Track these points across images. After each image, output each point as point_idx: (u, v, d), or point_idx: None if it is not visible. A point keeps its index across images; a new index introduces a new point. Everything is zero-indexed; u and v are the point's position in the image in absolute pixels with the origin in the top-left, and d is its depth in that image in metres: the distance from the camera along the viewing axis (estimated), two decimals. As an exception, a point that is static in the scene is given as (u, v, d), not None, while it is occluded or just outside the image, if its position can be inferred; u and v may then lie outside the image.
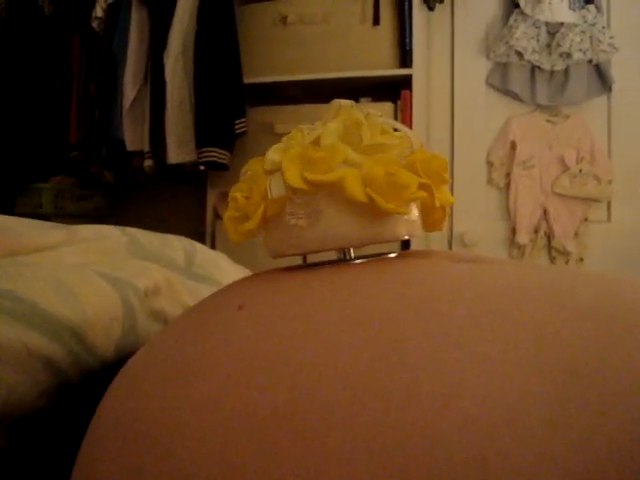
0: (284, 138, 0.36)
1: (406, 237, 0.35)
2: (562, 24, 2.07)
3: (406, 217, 0.35)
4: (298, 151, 0.33)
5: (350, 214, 0.33)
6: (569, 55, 2.08)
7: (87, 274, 0.42)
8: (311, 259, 0.38)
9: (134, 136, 2.09)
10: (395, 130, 0.36)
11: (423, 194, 0.34)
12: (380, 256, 0.36)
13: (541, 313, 0.25)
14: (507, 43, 2.12)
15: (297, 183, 0.32)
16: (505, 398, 0.20)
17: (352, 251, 0.35)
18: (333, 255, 0.36)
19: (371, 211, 0.33)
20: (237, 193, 0.35)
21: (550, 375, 0.21)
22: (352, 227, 0.34)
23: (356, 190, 0.32)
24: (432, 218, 0.38)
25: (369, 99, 1.99)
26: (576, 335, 0.23)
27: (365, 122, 0.35)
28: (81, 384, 0.37)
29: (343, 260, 0.35)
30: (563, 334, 0.23)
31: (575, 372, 0.21)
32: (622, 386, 0.20)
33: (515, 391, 0.20)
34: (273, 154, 0.35)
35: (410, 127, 1.95)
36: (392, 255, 0.37)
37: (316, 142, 0.34)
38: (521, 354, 0.22)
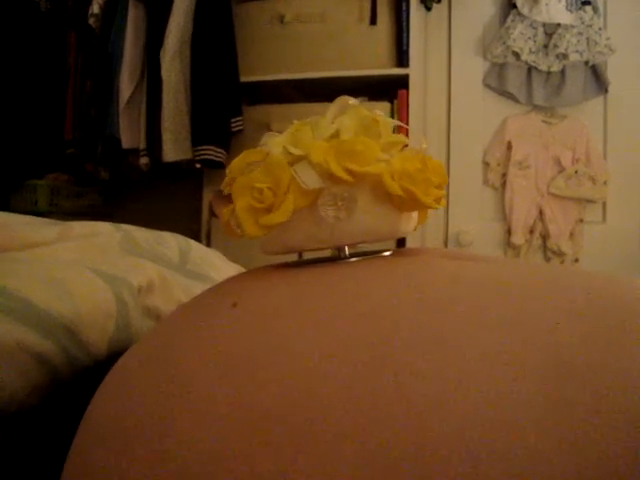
0: (289, 131, 0.35)
1: (411, 232, 0.36)
2: (559, 25, 2.08)
3: (414, 213, 0.36)
4: (332, 144, 0.33)
5: (380, 208, 0.34)
6: (566, 56, 2.08)
7: (81, 271, 0.42)
8: (305, 256, 0.38)
9: (130, 134, 2.08)
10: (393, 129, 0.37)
11: (444, 192, 0.36)
12: (375, 254, 0.36)
13: (534, 312, 0.25)
14: (504, 44, 2.12)
15: (341, 174, 0.32)
16: (498, 397, 0.20)
17: (347, 249, 0.35)
18: (322, 253, 0.36)
19: (397, 205, 0.34)
20: (261, 184, 0.33)
21: (543, 374, 0.21)
22: (381, 221, 0.34)
23: (393, 183, 0.33)
24: (422, 215, 0.39)
25: (366, 98, 1.98)
26: (569, 334, 0.23)
27: (381, 119, 0.35)
28: (73, 381, 0.37)
29: (338, 258, 0.35)
30: (556, 333, 0.23)
31: (568, 371, 0.21)
32: (615, 385, 0.20)
33: (508, 390, 0.20)
34: (288, 146, 0.34)
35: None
36: (387, 253, 0.36)
37: (335, 136, 0.34)
38: (514, 353, 0.22)
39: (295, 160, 0.33)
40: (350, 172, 0.32)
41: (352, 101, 0.37)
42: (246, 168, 0.35)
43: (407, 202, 0.34)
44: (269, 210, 0.33)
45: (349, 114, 0.35)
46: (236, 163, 0.36)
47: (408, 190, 0.33)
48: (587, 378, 0.20)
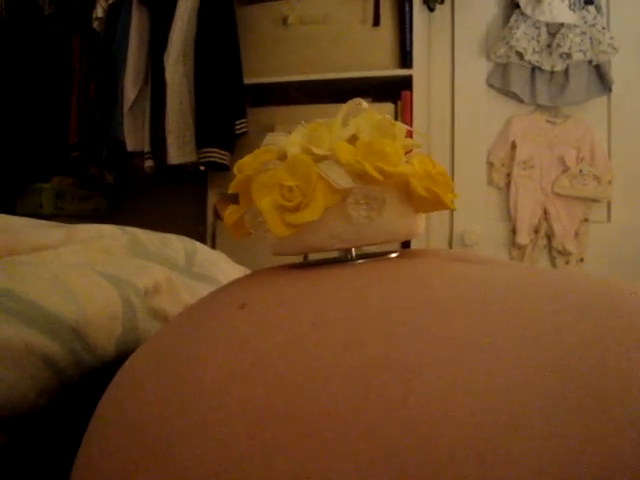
0: (302, 131, 0.35)
1: (421, 233, 0.36)
2: (562, 25, 2.08)
3: (424, 214, 0.37)
4: (360, 144, 0.33)
5: (403, 209, 0.35)
6: (569, 56, 2.08)
7: (87, 273, 0.42)
8: (310, 258, 0.38)
9: (134, 136, 2.09)
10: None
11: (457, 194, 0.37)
12: (381, 256, 0.36)
13: (539, 314, 0.25)
14: (507, 44, 2.12)
15: (375, 173, 0.32)
16: (504, 398, 0.20)
17: (354, 251, 0.35)
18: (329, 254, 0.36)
19: (417, 206, 0.35)
20: (290, 182, 0.32)
21: (549, 376, 0.21)
22: (404, 222, 0.35)
23: (418, 184, 0.33)
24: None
25: (369, 100, 1.98)
26: (574, 336, 0.23)
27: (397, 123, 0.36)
28: (81, 383, 0.37)
29: (345, 260, 0.35)
30: (561, 335, 0.23)
31: (573, 373, 0.21)
32: (620, 387, 0.20)
33: (514, 391, 0.20)
34: (310, 146, 0.33)
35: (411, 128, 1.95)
36: (393, 255, 0.37)
37: (354, 138, 0.34)
38: (520, 355, 0.22)
39: (318, 160, 0.33)
40: (382, 172, 0.32)
41: (364, 104, 0.37)
42: (261, 167, 0.35)
43: (430, 203, 0.34)
44: (296, 209, 0.32)
45: (364, 116, 0.35)
46: (248, 162, 0.36)
47: (432, 191, 0.34)
48: (592, 380, 0.20)
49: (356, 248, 0.35)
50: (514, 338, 0.23)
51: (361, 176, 0.32)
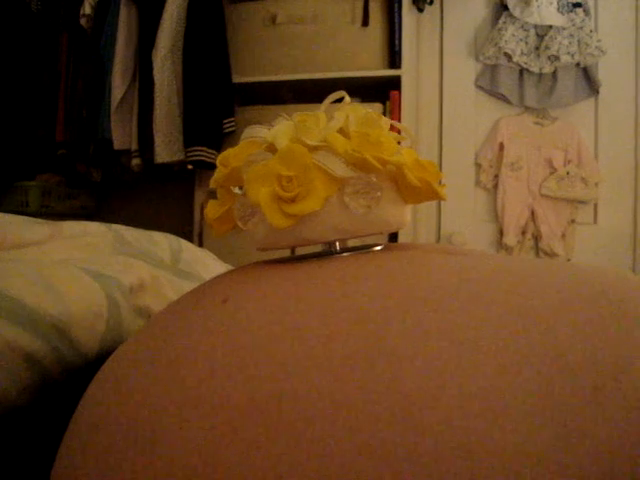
0: (288, 124, 0.35)
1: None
2: (550, 27, 2.09)
3: (410, 206, 0.37)
4: (356, 134, 0.33)
5: (396, 199, 0.35)
6: (557, 58, 2.09)
7: (72, 270, 0.41)
8: (296, 251, 0.38)
9: (122, 135, 2.08)
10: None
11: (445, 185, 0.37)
12: (366, 249, 0.36)
13: (528, 303, 0.24)
14: (496, 45, 2.13)
15: (375, 162, 0.31)
16: (492, 390, 0.20)
17: (337, 244, 0.35)
18: (314, 247, 0.36)
19: (406, 197, 0.35)
20: (288, 172, 0.32)
21: (538, 364, 0.20)
22: (396, 213, 0.35)
23: (411, 174, 0.33)
24: None
25: (358, 99, 1.98)
26: (564, 324, 0.23)
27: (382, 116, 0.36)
28: (64, 381, 0.37)
29: (329, 253, 0.35)
30: (551, 323, 0.23)
31: (564, 362, 0.21)
32: (611, 376, 0.20)
33: (502, 381, 0.20)
34: (302, 136, 0.33)
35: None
36: (378, 248, 0.36)
37: (345, 129, 0.34)
38: (508, 344, 0.22)
39: (311, 150, 0.32)
40: (381, 161, 0.32)
41: (347, 97, 0.37)
42: (250, 158, 0.34)
43: (422, 193, 0.34)
44: (293, 200, 0.32)
45: (350, 109, 0.35)
46: (234, 154, 0.35)
47: (425, 181, 0.34)
48: (583, 369, 0.20)
49: (350, 239, 0.35)
50: (502, 327, 0.23)
51: (358, 165, 0.32)
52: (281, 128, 0.35)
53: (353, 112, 0.35)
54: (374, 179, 0.33)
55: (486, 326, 0.23)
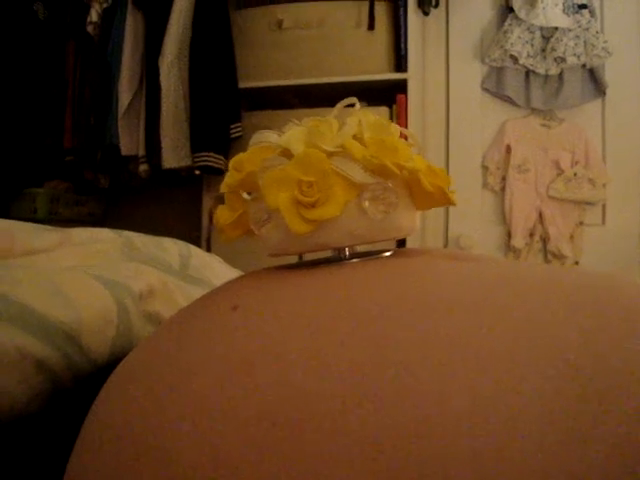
0: (301, 128, 0.35)
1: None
2: (556, 29, 2.08)
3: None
4: (372, 140, 0.33)
5: (409, 205, 0.35)
6: (563, 59, 2.09)
7: (82, 277, 0.41)
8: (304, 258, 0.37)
9: (129, 141, 2.09)
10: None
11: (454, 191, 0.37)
12: (375, 255, 0.36)
13: (537, 310, 0.24)
14: (502, 47, 2.13)
15: (394, 168, 0.32)
16: (501, 396, 0.20)
17: (347, 250, 0.35)
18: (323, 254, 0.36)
19: (418, 202, 0.35)
20: (309, 177, 0.32)
21: (546, 370, 0.20)
22: (409, 219, 0.35)
23: (426, 180, 0.34)
24: None
25: (365, 103, 1.98)
26: (572, 330, 0.23)
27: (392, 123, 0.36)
28: (75, 387, 0.37)
29: (338, 259, 0.35)
30: (559, 329, 0.23)
31: (572, 369, 0.20)
32: (618, 380, 0.20)
33: (510, 386, 0.20)
34: (318, 142, 0.33)
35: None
36: (387, 254, 0.36)
37: (357, 135, 0.34)
38: (517, 349, 0.22)
39: (328, 156, 0.32)
40: (399, 167, 0.32)
41: (358, 104, 0.37)
42: (266, 163, 0.34)
43: (435, 198, 0.35)
44: (313, 205, 0.32)
45: (361, 115, 0.35)
46: (248, 159, 0.35)
47: (437, 187, 0.34)
48: (591, 375, 0.20)
49: (365, 245, 0.35)
50: (509, 335, 0.23)
51: (377, 171, 0.32)
52: (294, 133, 0.35)
53: (364, 118, 0.35)
54: (391, 185, 0.33)
55: (494, 333, 0.23)
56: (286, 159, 0.33)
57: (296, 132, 0.35)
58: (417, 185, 0.34)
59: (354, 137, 0.34)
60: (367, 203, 0.32)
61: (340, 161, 0.32)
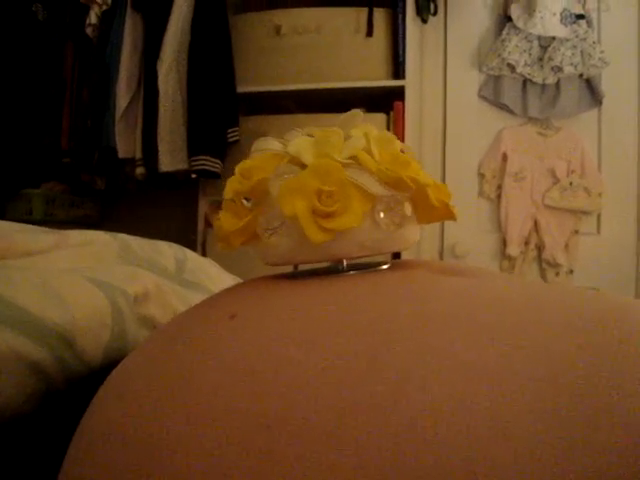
0: (308, 140, 0.35)
1: None
2: (554, 38, 2.09)
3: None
4: (385, 154, 0.34)
5: (413, 218, 0.35)
6: (560, 69, 2.10)
7: (77, 279, 0.41)
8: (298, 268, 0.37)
9: (126, 143, 2.08)
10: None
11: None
12: (372, 267, 0.36)
13: (530, 325, 0.25)
14: (499, 56, 2.14)
15: (409, 182, 0.32)
16: (495, 409, 0.20)
17: (345, 262, 0.35)
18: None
19: (420, 215, 0.36)
20: (330, 186, 0.32)
21: (540, 385, 0.21)
22: (413, 231, 0.36)
23: (432, 194, 0.34)
24: None
25: (362, 110, 1.99)
26: (564, 346, 0.23)
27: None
28: (68, 390, 0.37)
29: (336, 271, 0.35)
30: (553, 346, 0.23)
31: (565, 384, 0.21)
32: (611, 396, 0.20)
33: (505, 400, 0.20)
34: (331, 152, 0.33)
35: (402, 138, 1.96)
36: (385, 266, 0.36)
37: (368, 148, 0.34)
38: (511, 365, 0.22)
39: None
40: (413, 181, 0.33)
41: (361, 116, 0.37)
42: (279, 172, 0.33)
43: (439, 213, 0.36)
44: (330, 215, 0.32)
45: (366, 128, 0.35)
46: (258, 166, 0.35)
47: (442, 201, 0.35)
48: (584, 391, 0.20)
49: (374, 256, 0.35)
50: (506, 349, 0.23)
51: (391, 184, 0.32)
52: (302, 143, 0.34)
53: (370, 131, 0.35)
54: (403, 198, 0.33)
55: (489, 346, 0.23)
56: (298, 168, 0.33)
57: (303, 142, 0.34)
58: (424, 199, 0.34)
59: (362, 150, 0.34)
60: (382, 215, 0.33)
61: (355, 172, 0.32)
